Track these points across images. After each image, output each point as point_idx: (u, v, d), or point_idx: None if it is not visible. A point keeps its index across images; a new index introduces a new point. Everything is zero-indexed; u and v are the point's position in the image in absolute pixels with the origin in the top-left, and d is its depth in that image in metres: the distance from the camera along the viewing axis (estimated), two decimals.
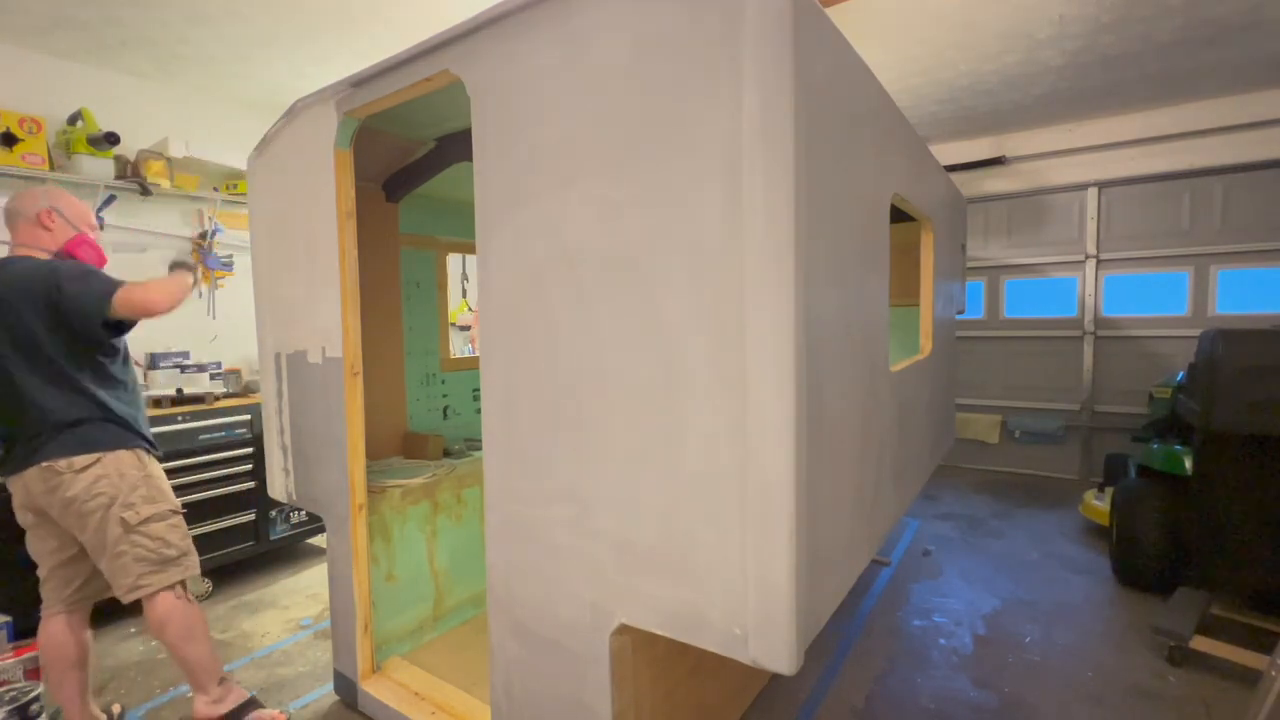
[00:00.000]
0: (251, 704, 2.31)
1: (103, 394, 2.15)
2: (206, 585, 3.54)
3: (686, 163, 1.34)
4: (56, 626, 2.19)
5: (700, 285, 1.34)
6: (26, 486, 2.10)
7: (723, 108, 1.27)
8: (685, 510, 1.40)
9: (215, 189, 4.32)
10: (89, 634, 2.26)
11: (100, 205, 3.73)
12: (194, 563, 2.29)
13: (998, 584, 3.56)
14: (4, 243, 3.14)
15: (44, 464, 2.05)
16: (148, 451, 2.27)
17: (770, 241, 1.24)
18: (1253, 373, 2.70)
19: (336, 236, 2.20)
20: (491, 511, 1.79)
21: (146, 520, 2.15)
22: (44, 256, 2.17)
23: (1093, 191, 5.51)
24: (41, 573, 2.21)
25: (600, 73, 1.45)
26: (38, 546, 2.21)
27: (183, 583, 2.23)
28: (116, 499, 2.10)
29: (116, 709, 2.47)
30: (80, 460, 2.08)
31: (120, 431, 2.17)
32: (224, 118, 4.48)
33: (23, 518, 2.19)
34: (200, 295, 4.32)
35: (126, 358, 2.32)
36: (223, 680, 2.29)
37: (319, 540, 4.27)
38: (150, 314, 2.17)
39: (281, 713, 2.39)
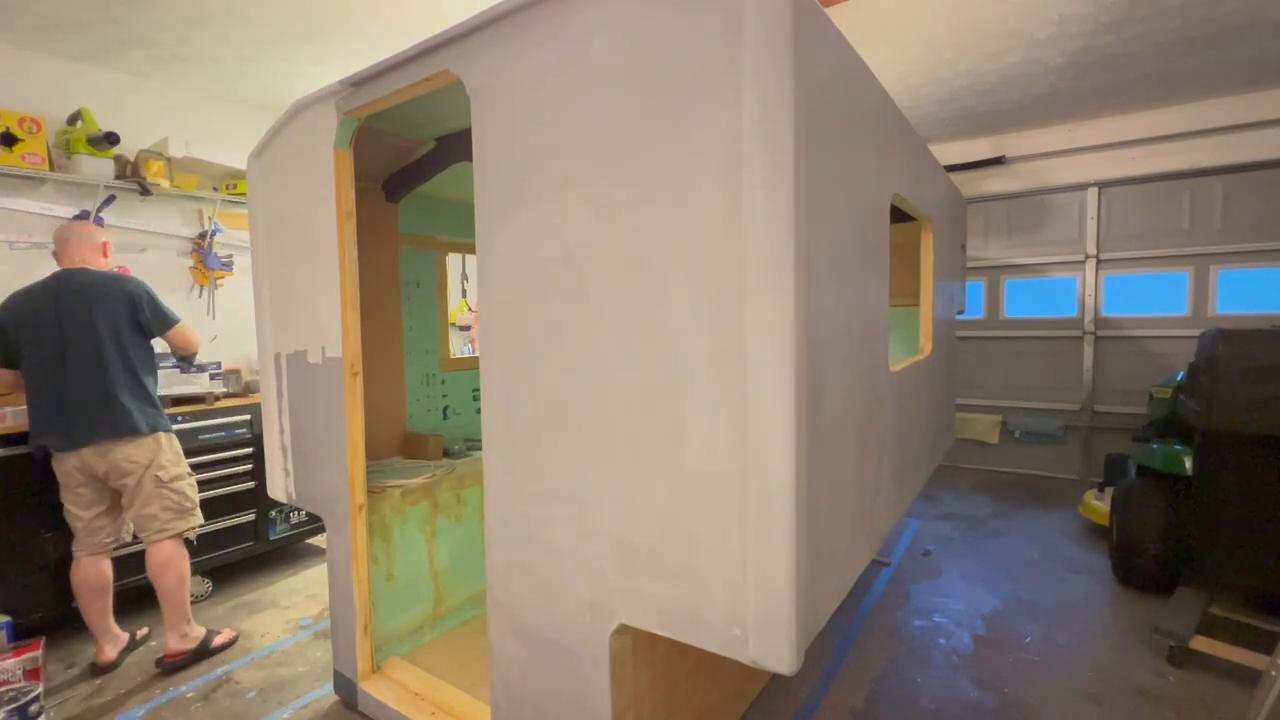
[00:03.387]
0: (209, 635, 2.91)
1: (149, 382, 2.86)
2: (206, 585, 3.53)
3: (686, 163, 1.34)
4: (87, 563, 2.74)
5: (700, 285, 1.34)
6: (84, 459, 2.66)
7: (723, 107, 1.27)
8: (685, 510, 1.40)
9: (215, 189, 4.32)
10: (109, 569, 2.80)
11: (100, 205, 3.74)
12: (200, 517, 2.95)
13: (998, 584, 3.55)
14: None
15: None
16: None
17: (770, 241, 1.24)
18: (1253, 373, 2.70)
19: (336, 236, 2.20)
20: (491, 512, 1.79)
21: (174, 478, 2.83)
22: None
23: (1093, 191, 5.50)
24: (79, 525, 2.73)
25: (600, 73, 1.45)
26: (81, 507, 2.73)
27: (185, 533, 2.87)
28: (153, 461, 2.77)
29: (141, 633, 3.03)
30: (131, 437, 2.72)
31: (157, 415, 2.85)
32: (224, 118, 4.48)
33: (75, 480, 2.69)
34: (200, 295, 4.34)
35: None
36: (188, 620, 2.86)
37: (319, 540, 4.27)
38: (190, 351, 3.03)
39: (230, 630, 3.05)
